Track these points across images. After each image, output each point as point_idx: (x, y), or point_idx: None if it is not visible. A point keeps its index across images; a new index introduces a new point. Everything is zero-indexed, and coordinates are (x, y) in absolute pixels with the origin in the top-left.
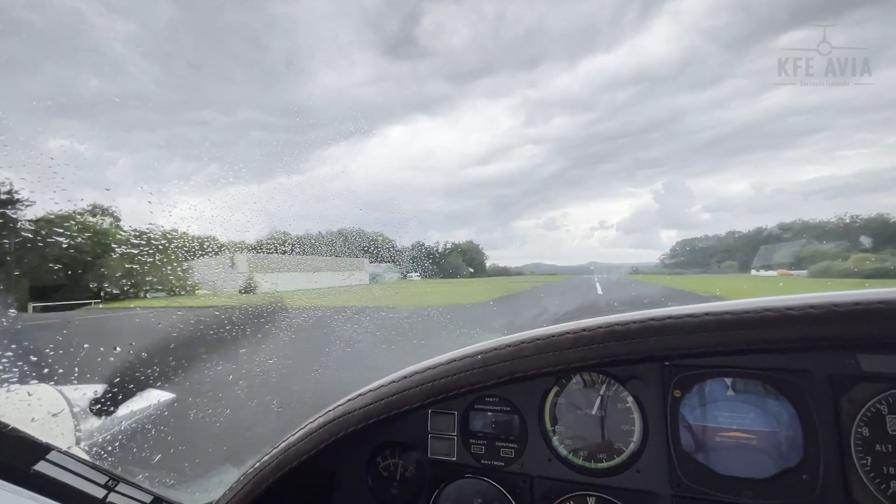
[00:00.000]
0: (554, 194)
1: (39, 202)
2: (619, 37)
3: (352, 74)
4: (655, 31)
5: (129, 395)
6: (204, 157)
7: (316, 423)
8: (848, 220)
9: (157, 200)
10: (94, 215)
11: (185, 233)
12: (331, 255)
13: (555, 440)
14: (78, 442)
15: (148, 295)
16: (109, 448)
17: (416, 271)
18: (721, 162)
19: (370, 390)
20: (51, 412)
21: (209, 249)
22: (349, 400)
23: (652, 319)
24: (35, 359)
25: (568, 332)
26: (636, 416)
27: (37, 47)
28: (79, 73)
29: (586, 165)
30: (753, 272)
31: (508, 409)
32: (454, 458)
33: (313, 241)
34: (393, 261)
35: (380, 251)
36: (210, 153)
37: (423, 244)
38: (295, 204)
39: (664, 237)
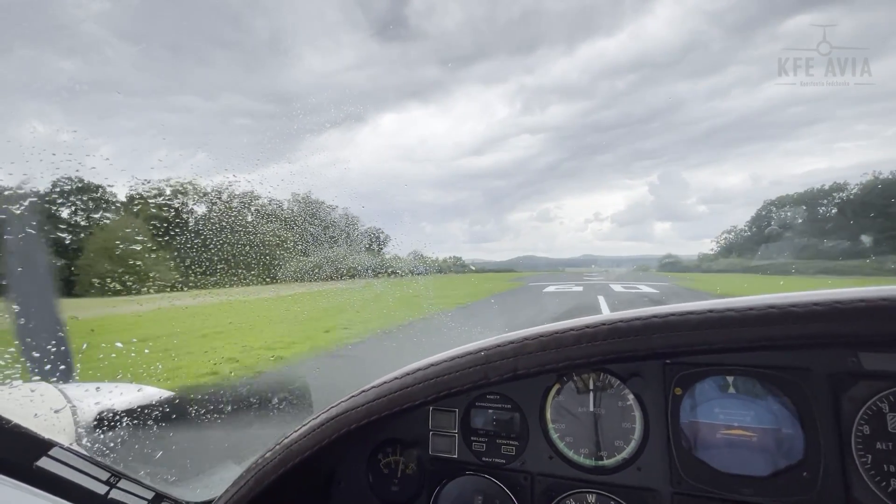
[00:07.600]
0: (549, 186)
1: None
2: (621, 19)
3: (339, 58)
4: (658, 13)
5: (130, 392)
6: (190, 146)
7: (318, 420)
8: None
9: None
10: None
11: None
12: None
13: (556, 437)
14: (80, 438)
15: (151, 290)
16: (111, 444)
17: None
18: (718, 153)
19: (372, 387)
20: (53, 408)
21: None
22: (352, 397)
23: (654, 317)
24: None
25: (571, 329)
26: (637, 413)
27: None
28: (51, 55)
29: (582, 156)
30: None
31: (509, 406)
32: (455, 456)
33: None
34: None
35: None
36: (197, 141)
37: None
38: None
39: (658, 230)
